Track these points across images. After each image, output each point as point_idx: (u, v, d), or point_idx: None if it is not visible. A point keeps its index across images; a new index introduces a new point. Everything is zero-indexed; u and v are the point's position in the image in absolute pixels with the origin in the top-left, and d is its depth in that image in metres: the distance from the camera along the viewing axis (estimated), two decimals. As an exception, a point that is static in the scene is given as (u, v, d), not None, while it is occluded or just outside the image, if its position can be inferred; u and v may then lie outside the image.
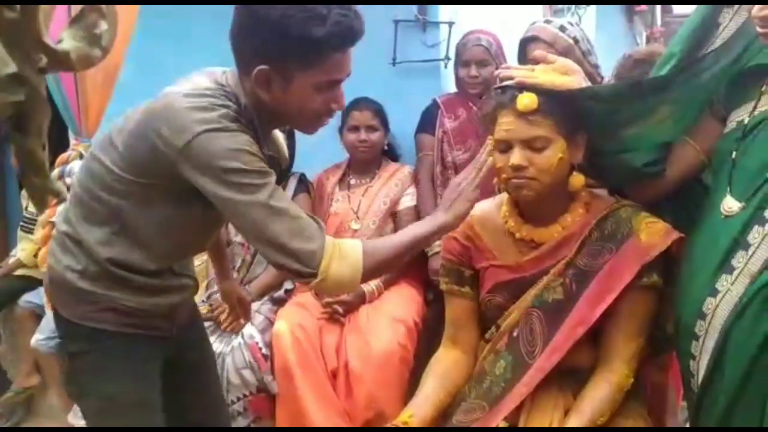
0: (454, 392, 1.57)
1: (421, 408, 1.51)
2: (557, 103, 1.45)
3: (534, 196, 1.47)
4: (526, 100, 1.43)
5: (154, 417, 1.49)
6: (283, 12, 1.26)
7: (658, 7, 7.75)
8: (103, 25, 0.64)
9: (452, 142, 2.64)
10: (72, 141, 2.78)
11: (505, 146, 1.48)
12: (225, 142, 1.27)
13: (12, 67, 0.55)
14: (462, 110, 2.67)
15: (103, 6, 0.69)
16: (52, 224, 2.48)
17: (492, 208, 1.63)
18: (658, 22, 7.68)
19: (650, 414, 1.57)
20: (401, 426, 1.46)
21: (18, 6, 0.52)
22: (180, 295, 1.54)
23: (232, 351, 2.34)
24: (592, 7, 5.58)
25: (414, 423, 1.47)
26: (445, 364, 1.61)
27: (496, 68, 2.55)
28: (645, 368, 1.58)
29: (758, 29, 1.31)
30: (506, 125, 1.46)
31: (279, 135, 1.62)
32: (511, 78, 1.49)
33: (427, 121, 2.72)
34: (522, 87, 1.46)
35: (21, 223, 3.47)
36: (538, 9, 4.28)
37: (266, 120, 1.40)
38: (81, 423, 2.57)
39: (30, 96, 0.56)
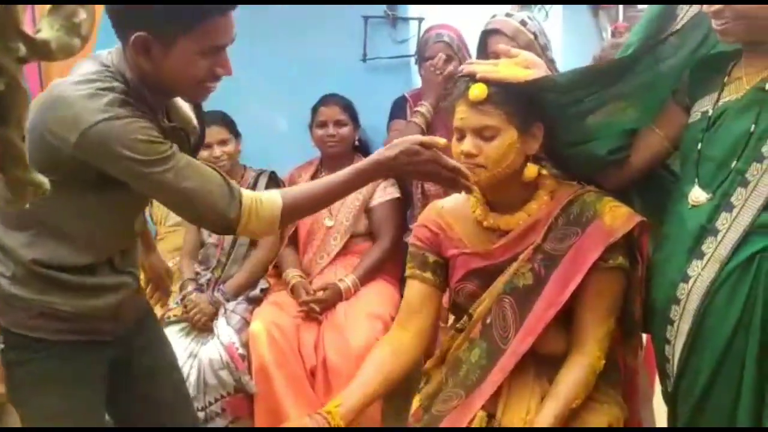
0: (392, 379, 1.58)
1: (350, 399, 1.52)
2: (510, 95, 1.48)
3: (486, 182, 1.51)
4: (476, 91, 1.47)
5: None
6: None
7: (621, 7, 7.88)
8: (82, 14, 0.64)
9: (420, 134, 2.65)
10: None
11: (460, 135, 1.52)
12: (117, 133, 1.24)
13: (-11, 57, 0.54)
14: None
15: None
16: None
17: (461, 198, 1.66)
18: (621, 17, 7.79)
19: (624, 398, 1.60)
20: (325, 415, 1.47)
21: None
22: (117, 294, 1.48)
23: (208, 352, 2.32)
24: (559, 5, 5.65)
25: (341, 412, 1.48)
26: (386, 351, 1.61)
27: (459, 63, 2.58)
28: (618, 352, 1.61)
29: (714, 26, 1.35)
30: (460, 114, 1.51)
31: (183, 104, 1.55)
32: (474, 73, 1.51)
33: (397, 111, 2.73)
34: (483, 80, 1.48)
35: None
36: (505, 9, 4.32)
37: (156, 91, 1.36)
38: None
39: (9, 86, 0.55)
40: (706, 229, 1.36)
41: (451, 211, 1.65)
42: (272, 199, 1.37)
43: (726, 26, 1.33)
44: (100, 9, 2.24)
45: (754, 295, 1.29)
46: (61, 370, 1.40)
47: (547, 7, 5.19)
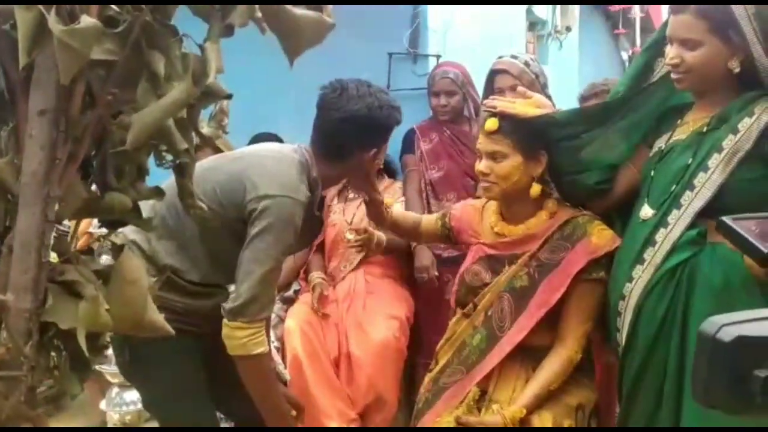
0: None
1: None
2: (518, 127, 1.81)
3: (496, 197, 1.87)
4: (489, 123, 1.81)
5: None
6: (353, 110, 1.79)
7: (638, 29, 8.21)
8: (226, 119, 0.99)
9: (428, 162, 2.99)
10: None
11: (480, 157, 1.86)
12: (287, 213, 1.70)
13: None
14: (435, 135, 3.02)
15: (225, 102, 1.03)
16: (89, 234, 2.82)
17: (490, 205, 2.01)
18: (638, 43, 8.13)
19: (601, 387, 1.92)
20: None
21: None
22: (212, 299, 1.82)
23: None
24: (575, 32, 5.96)
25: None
26: None
27: (463, 97, 2.91)
28: (597, 350, 1.93)
29: (672, 76, 1.67)
30: (479, 140, 1.86)
31: None
32: (494, 107, 1.84)
33: (408, 145, 3.06)
34: (502, 114, 1.81)
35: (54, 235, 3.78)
36: (521, 41, 4.63)
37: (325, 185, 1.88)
38: (111, 412, 2.86)
39: (191, 160, 0.89)
40: (648, 241, 1.66)
41: (485, 209, 2.02)
42: (264, 346, 1.73)
43: (680, 76, 1.64)
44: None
45: (677, 295, 1.60)
46: (172, 347, 1.68)
47: (561, 37, 5.56)
